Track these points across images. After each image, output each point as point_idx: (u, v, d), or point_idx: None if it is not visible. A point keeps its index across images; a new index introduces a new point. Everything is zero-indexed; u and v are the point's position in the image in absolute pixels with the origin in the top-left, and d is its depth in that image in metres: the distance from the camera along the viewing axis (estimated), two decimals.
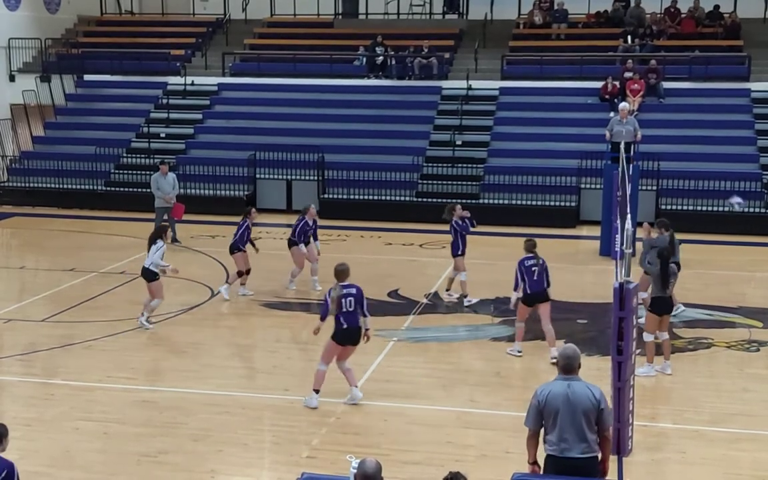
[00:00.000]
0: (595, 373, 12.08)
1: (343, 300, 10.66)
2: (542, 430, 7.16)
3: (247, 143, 24.98)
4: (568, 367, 7.07)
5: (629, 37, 26.54)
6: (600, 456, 7.06)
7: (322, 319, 10.92)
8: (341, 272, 11.00)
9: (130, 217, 22.49)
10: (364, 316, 10.91)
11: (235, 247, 15.74)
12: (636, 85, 24.57)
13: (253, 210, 16.43)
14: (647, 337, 11.89)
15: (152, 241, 13.89)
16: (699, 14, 27.51)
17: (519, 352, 12.96)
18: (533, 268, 12.53)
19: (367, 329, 10.91)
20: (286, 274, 16.23)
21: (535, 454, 7.26)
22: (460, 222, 15.49)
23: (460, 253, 15.44)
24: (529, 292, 12.55)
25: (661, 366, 12.03)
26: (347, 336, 10.76)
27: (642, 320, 12.15)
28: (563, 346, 7.47)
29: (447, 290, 15.77)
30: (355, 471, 5.71)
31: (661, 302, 11.85)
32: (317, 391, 10.76)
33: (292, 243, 16.10)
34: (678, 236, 17.66)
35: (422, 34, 27.75)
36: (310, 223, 16.21)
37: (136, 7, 33.47)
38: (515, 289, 12.57)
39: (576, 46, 26.91)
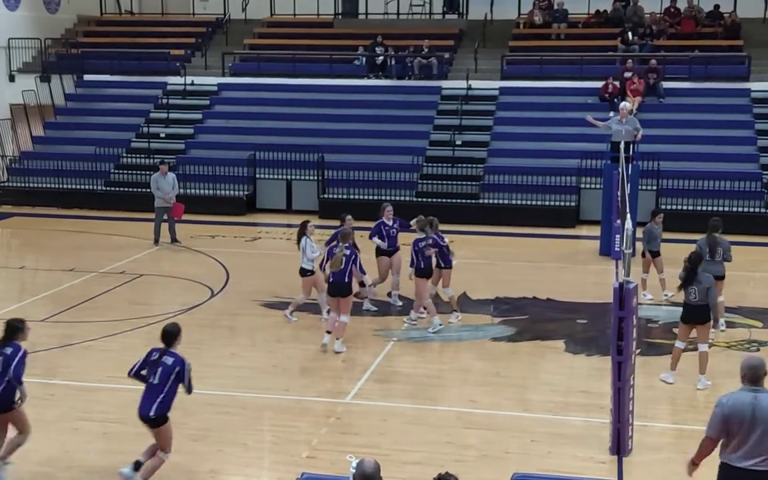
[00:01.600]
0: (596, 373, 12.11)
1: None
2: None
3: (246, 143, 24.97)
4: (753, 377, 6.94)
5: (630, 34, 26.51)
6: None
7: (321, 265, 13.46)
8: (347, 235, 13.09)
9: (130, 217, 22.48)
10: (362, 273, 12.98)
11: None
12: (636, 84, 24.56)
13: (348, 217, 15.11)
14: (677, 344, 11.77)
15: (298, 240, 14.20)
16: (695, 13, 27.48)
17: (440, 325, 13.86)
18: (425, 248, 13.76)
19: (364, 285, 13.38)
20: (284, 273, 16.14)
21: (703, 459, 7.12)
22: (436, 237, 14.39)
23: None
24: (423, 266, 13.77)
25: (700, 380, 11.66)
26: (333, 288, 12.81)
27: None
28: (749, 355, 7.24)
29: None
30: (354, 471, 5.70)
31: (684, 308, 11.65)
32: (328, 332, 12.79)
33: (379, 252, 15.35)
34: (677, 236, 17.72)
35: (422, 34, 27.73)
36: (390, 223, 15.42)
37: (136, 7, 33.47)
38: (411, 266, 13.90)
39: (576, 46, 26.91)
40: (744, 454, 6.82)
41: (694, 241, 19.80)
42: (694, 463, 7.23)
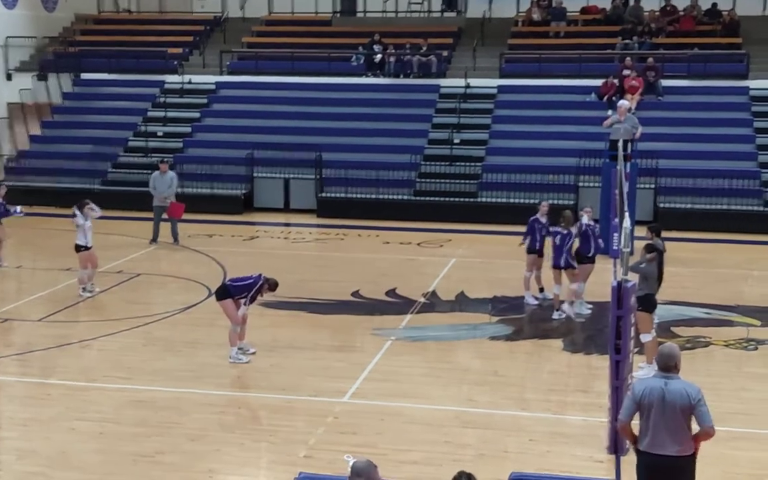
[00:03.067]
0: (594, 373, 12.09)
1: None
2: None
3: (244, 142, 24.92)
4: (664, 366, 7.02)
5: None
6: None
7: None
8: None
9: (127, 217, 22.38)
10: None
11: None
12: (634, 82, 24.52)
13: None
14: (646, 338, 11.75)
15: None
16: (690, 10, 27.46)
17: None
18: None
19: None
20: (283, 273, 16.06)
21: (635, 437, 7.20)
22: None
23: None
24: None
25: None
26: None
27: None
28: (662, 344, 7.37)
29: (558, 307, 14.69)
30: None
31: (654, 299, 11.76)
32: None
33: (531, 250, 15.09)
34: (676, 234, 17.72)
35: (420, 32, 27.70)
36: (543, 220, 15.12)
37: (134, 6, 33.40)
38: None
39: (574, 44, 26.88)
40: (656, 439, 6.94)
41: (691, 240, 19.98)
42: (635, 443, 7.31)
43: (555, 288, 14.44)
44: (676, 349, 7.14)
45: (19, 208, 18.27)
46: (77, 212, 15.67)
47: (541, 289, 15.40)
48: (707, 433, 6.94)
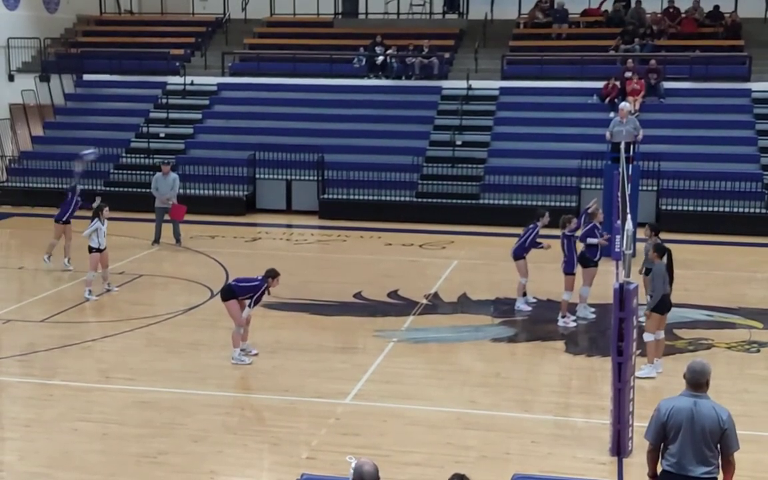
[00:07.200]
0: (596, 374, 12.10)
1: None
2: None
3: (246, 143, 24.93)
4: (695, 383, 6.80)
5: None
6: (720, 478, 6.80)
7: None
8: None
9: (130, 218, 22.39)
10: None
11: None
12: (636, 85, 24.52)
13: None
14: (648, 337, 11.78)
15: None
16: (692, 12, 27.45)
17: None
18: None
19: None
20: (284, 274, 16.09)
21: (655, 468, 6.95)
22: (568, 234, 14.40)
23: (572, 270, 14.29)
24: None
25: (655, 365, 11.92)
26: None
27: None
28: (692, 360, 7.09)
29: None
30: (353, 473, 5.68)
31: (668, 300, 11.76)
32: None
33: (519, 256, 14.96)
34: (678, 236, 17.72)
35: (422, 34, 27.69)
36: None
37: (136, 7, 33.43)
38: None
39: (576, 46, 26.89)
40: (682, 459, 6.72)
41: (693, 242, 19.98)
42: (650, 476, 7.03)
43: (565, 294, 14.32)
44: (708, 365, 6.91)
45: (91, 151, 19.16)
46: (96, 221, 15.67)
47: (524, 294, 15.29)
48: (731, 462, 6.71)
